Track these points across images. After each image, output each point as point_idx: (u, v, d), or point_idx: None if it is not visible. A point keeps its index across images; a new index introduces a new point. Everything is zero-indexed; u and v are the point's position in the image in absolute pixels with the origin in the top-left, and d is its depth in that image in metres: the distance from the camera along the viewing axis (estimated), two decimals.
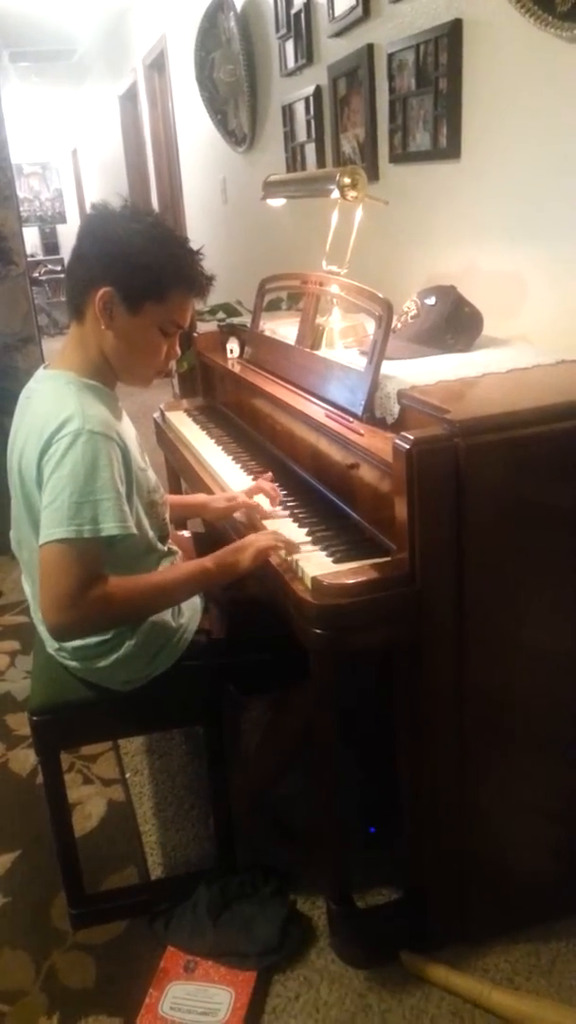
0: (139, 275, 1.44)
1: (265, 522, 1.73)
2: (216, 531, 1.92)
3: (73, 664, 1.62)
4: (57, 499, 1.35)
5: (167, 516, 1.69)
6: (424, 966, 1.59)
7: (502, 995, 1.51)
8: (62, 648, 1.60)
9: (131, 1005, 1.56)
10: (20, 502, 1.50)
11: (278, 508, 1.79)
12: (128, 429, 1.56)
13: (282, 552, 1.55)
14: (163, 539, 1.65)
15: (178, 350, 1.58)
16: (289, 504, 1.79)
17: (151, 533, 1.58)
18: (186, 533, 2.00)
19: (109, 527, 1.37)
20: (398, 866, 1.66)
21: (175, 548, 1.69)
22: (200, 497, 1.91)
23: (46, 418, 1.40)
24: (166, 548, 1.65)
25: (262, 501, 1.81)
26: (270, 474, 1.92)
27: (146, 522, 1.56)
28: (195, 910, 1.69)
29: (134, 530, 1.43)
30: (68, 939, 1.73)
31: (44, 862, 1.89)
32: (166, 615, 1.61)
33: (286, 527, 1.68)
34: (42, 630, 1.66)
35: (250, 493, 1.83)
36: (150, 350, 1.53)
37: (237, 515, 1.80)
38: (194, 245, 1.51)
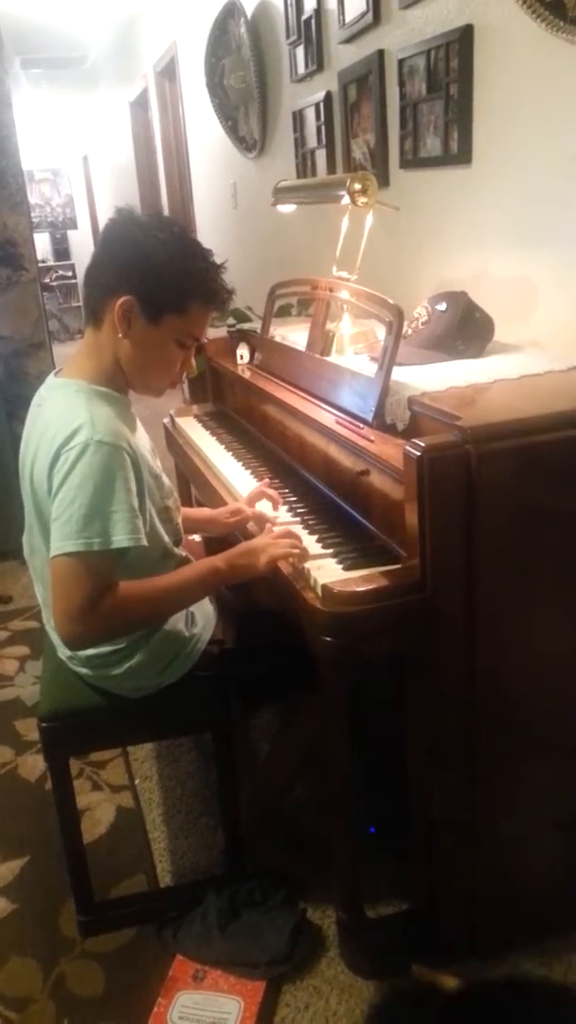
0: (161, 286, 1.44)
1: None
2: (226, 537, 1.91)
3: (84, 671, 1.62)
4: (67, 512, 1.35)
5: (180, 521, 1.68)
6: (435, 978, 1.57)
7: None
8: (74, 656, 1.60)
9: (139, 1013, 1.55)
10: (32, 510, 1.50)
11: (282, 509, 1.79)
12: (141, 437, 1.55)
13: (293, 560, 1.54)
14: (177, 544, 1.64)
15: (193, 363, 1.57)
16: (299, 510, 1.78)
17: (166, 539, 1.58)
18: (196, 538, 2.00)
19: (119, 539, 1.37)
20: (408, 875, 1.65)
21: (189, 556, 1.69)
22: (205, 512, 1.91)
23: (57, 428, 1.39)
24: (182, 554, 1.65)
25: (265, 507, 1.81)
26: (266, 480, 1.94)
27: (160, 528, 1.56)
28: (204, 918, 1.69)
29: (145, 541, 1.43)
30: (76, 946, 1.73)
31: (52, 869, 1.89)
32: (179, 625, 1.61)
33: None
34: (54, 637, 1.66)
35: (251, 500, 1.84)
36: (166, 361, 1.52)
37: (249, 525, 1.81)
38: (217, 259, 1.50)
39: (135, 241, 1.44)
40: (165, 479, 1.61)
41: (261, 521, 1.78)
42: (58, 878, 1.83)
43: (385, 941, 1.64)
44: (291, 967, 1.61)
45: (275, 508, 1.79)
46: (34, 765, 2.29)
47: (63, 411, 1.42)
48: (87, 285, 1.50)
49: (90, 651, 1.56)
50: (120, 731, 1.74)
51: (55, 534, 1.37)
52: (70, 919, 1.77)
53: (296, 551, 1.54)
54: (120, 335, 1.46)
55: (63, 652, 1.64)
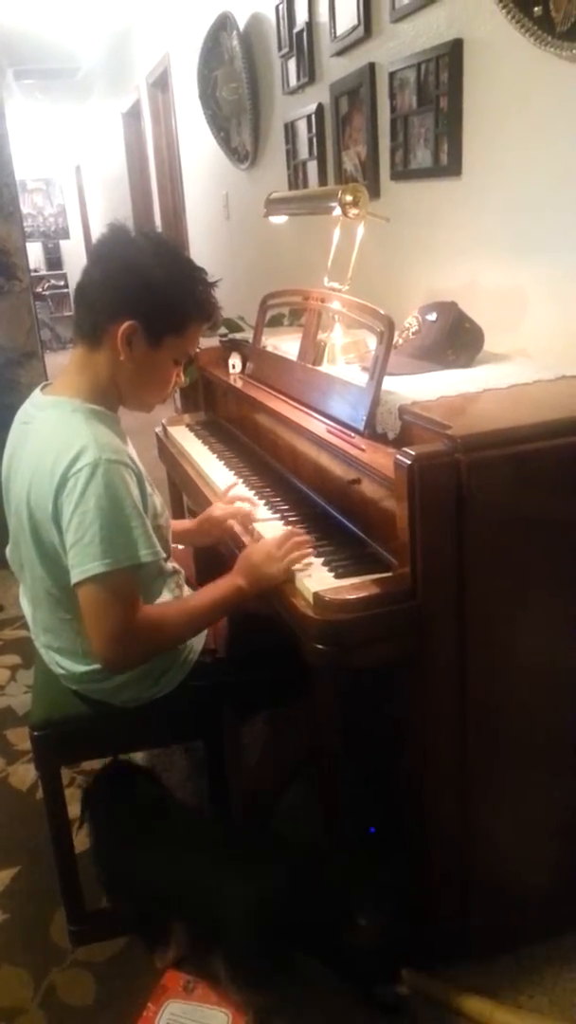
0: (163, 311, 1.45)
1: (259, 527, 1.77)
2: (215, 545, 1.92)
3: (76, 687, 1.62)
4: (87, 535, 1.34)
5: (170, 537, 1.69)
6: (426, 984, 1.57)
7: (505, 1014, 1.50)
8: (66, 673, 1.60)
9: (130, 1023, 1.54)
10: (25, 529, 1.47)
11: (261, 503, 1.84)
12: (132, 453, 1.56)
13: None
14: (166, 560, 1.65)
15: (183, 376, 1.59)
16: (291, 519, 1.79)
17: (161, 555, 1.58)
18: (180, 545, 2.01)
19: (144, 554, 1.38)
20: (400, 882, 1.65)
21: (177, 567, 1.70)
22: (186, 524, 1.92)
23: (58, 450, 1.37)
24: (171, 567, 1.66)
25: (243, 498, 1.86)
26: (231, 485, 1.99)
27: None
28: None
29: (163, 553, 1.44)
30: (68, 956, 1.72)
31: (44, 878, 1.88)
32: None
33: None
34: (44, 652, 1.65)
35: (228, 503, 1.87)
36: (163, 380, 1.54)
37: (235, 526, 1.82)
38: (210, 276, 1.52)
39: (135, 264, 1.44)
40: (157, 496, 1.61)
41: (246, 520, 1.81)
42: (49, 887, 1.82)
43: (376, 948, 1.64)
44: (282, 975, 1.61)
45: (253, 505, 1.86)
46: (25, 774, 2.28)
47: (61, 432, 1.41)
48: (80, 304, 1.48)
49: (82, 668, 1.56)
50: (112, 740, 1.74)
51: (77, 559, 1.36)
52: (61, 929, 1.77)
53: (309, 551, 1.56)
54: (122, 358, 1.46)
55: (55, 669, 1.63)
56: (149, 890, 1.59)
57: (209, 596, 1.54)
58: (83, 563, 1.35)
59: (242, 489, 1.94)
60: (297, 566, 1.53)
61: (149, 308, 1.43)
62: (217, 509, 1.86)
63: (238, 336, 2.73)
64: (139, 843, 1.62)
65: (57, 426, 1.43)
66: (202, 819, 1.78)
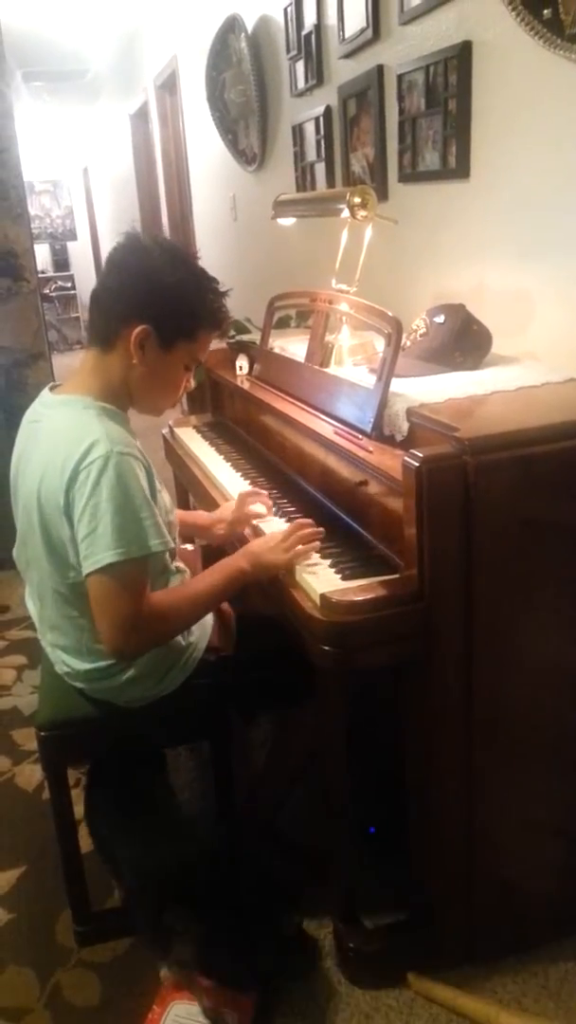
0: (176, 316, 1.48)
1: (263, 525, 1.80)
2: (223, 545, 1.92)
3: (82, 686, 1.62)
4: (99, 526, 1.36)
5: (176, 535, 1.69)
6: (431, 987, 1.57)
7: (510, 1017, 1.50)
8: (71, 671, 1.60)
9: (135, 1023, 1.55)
10: (35, 526, 1.47)
11: (273, 510, 1.86)
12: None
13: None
14: (172, 557, 1.65)
15: (192, 381, 1.61)
16: (297, 521, 1.79)
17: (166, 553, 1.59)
18: (189, 546, 2.01)
19: (155, 544, 1.40)
20: (405, 884, 1.65)
21: (182, 566, 1.70)
22: (201, 517, 1.93)
23: (69, 445, 1.39)
24: (175, 567, 1.66)
25: (259, 510, 1.86)
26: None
27: None
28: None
29: (172, 544, 1.45)
30: (73, 956, 1.72)
31: (50, 878, 1.88)
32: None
33: None
34: (50, 651, 1.66)
35: (242, 502, 1.87)
36: (174, 384, 1.57)
37: (247, 531, 1.82)
38: (221, 285, 1.54)
39: (149, 271, 1.46)
40: (166, 494, 1.62)
41: (253, 517, 1.84)
42: (55, 888, 1.83)
43: (381, 950, 1.64)
44: (286, 978, 1.61)
45: (264, 503, 1.87)
46: (31, 774, 2.29)
47: (72, 427, 1.43)
48: (95, 309, 1.51)
49: (87, 666, 1.57)
50: (118, 741, 1.74)
51: (88, 550, 1.37)
52: (67, 929, 1.77)
53: (316, 545, 1.57)
54: (134, 361, 1.48)
55: (60, 667, 1.64)
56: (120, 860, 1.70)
57: (211, 580, 1.56)
58: (95, 553, 1.37)
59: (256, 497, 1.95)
60: (302, 559, 1.55)
61: (161, 313, 1.46)
62: (230, 512, 1.88)
63: (245, 338, 2.73)
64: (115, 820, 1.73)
65: (68, 422, 1.45)
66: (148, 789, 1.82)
